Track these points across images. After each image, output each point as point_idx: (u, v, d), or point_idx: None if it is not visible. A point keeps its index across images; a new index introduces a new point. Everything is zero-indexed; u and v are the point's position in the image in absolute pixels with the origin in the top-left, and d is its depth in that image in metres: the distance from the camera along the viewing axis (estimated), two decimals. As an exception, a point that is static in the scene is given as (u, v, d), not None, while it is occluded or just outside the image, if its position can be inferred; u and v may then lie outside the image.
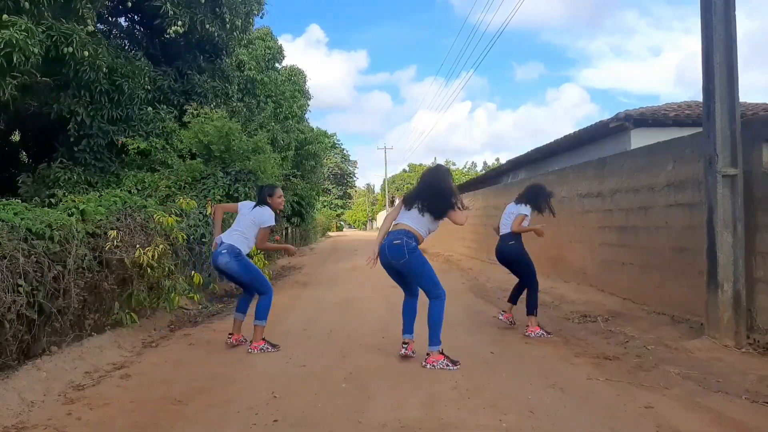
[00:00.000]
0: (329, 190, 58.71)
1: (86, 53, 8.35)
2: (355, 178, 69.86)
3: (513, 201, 5.85)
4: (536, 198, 5.73)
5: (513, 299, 5.85)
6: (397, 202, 5.48)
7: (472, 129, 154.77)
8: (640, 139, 9.59)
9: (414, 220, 4.39)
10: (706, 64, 4.81)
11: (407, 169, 73.92)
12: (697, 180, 5.45)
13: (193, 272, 6.81)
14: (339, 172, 62.96)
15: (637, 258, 6.83)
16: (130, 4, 10.37)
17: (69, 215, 4.98)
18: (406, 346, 4.49)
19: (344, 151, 63.27)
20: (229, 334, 5.15)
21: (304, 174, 20.85)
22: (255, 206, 5.06)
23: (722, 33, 4.73)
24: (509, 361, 4.47)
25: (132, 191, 8.48)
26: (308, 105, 21.89)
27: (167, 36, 10.86)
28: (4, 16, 7.07)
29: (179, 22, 10.48)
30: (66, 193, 7.64)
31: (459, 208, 4.40)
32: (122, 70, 9.69)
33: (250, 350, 4.82)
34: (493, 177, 20.47)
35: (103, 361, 4.44)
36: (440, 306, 4.31)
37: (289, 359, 4.59)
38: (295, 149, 18.62)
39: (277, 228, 15.26)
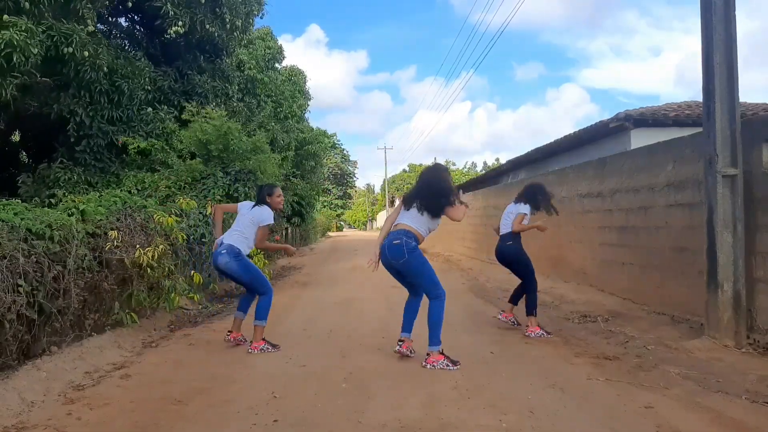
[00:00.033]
0: (329, 190, 58.75)
1: (86, 53, 8.35)
2: (355, 178, 69.95)
3: (513, 201, 5.89)
4: (534, 196, 5.76)
5: (514, 300, 5.85)
6: (397, 202, 5.49)
7: (472, 129, 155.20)
8: (640, 139, 9.59)
9: (413, 220, 4.40)
10: (706, 64, 4.81)
11: (407, 169, 73.86)
12: (697, 180, 5.45)
13: (193, 272, 6.81)
14: (339, 172, 62.96)
15: (637, 258, 6.83)
16: (130, 4, 10.37)
17: (69, 215, 4.98)
18: (401, 343, 4.50)
19: (344, 151, 63.36)
20: (228, 331, 5.17)
21: (304, 174, 20.87)
22: (254, 206, 5.07)
23: (722, 33, 4.73)
24: (509, 361, 4.48)
25: (132, 191, 8.48)
26: (308, 105, 21.92)
27: (167, 36, 10.87)
28: (5, 17, 7.08)
29: (179, 23, 10.49)
30: (66, 194, 7.63)
31: (458, 203, 4.42)
32: (122, 70, 9.70)
33: (250, 350, 4.83)
34: (493, 177, 20.46)
35: (103, 361, 4.44)
36: (440, 306, 4.32)
37: (289, 359, 4.59)
38: (295, 149, 18.63)
39: (276, 228, 15.27)
